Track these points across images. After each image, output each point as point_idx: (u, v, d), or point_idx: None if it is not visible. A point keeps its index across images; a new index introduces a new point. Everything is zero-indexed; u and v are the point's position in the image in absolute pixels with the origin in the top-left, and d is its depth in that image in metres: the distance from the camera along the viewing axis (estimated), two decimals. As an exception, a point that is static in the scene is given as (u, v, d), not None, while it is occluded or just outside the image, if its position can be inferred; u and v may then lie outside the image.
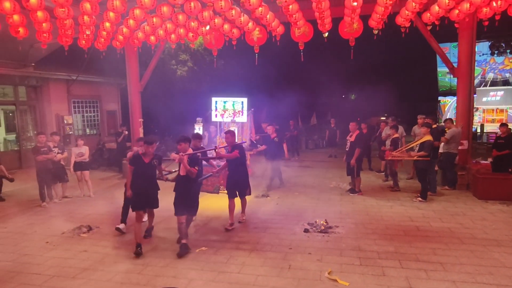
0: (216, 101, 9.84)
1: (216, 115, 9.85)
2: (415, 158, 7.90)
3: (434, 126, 8.44)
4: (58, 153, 8.43)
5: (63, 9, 6.62)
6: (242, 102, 9.75)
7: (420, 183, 8.07)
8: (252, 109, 10.56)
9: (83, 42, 8.73)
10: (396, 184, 8.98)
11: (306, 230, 6.10)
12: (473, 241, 5.59)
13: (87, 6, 6.61)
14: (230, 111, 9.74)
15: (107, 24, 7.80)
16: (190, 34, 8.66)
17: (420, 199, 7.84)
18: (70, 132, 13.62)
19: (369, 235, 5.89)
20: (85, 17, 7.08)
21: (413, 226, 6.28)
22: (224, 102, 9.82)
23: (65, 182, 8.67)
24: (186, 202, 5.52)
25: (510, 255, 5.03)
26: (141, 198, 5.51)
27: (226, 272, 4.72)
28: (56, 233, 6.33)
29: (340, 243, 5.57)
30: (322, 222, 6.33)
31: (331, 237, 5.82)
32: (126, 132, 12.10)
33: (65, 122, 13.59)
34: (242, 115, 9.72)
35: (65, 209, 7.84)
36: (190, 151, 5.53)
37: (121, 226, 6.32)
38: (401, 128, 9.79)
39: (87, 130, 15.16)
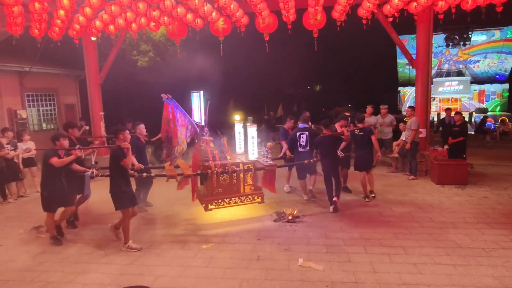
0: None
1: None
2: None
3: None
4: (11, 150, 7.94)
5: (10, -5, 6.18)
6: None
7: None
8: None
9: (36, 31, 8.20)
10: None
11: (275, 220, 6.16)
12: (431, 224, 5.87)
13: (37, -9, 6.22)
14: None
15: (61, 12, 7.36)
16: (152, 24, 8.37)
17: None
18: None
19: (335, 223, 6.02)
20: (36, 4, 6.64)
21: (376, 212, 6.50)
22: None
23: (20, 180, 8.18)
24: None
25: (464, 236, 5.33)
26: None
27: (194, 267, 4.65)
28: (11, 235, 5.97)
29: (307, 232, 5.66)
30: (290, 211, 6.40)
31: (298, 226, 5.89)
32: (87, 127, 11.57)
33: (19, 116, 12.78)
34: None
35: (21, 209, 7.41)
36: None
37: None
38: (374, 118, 9.73)
39: (44, 125, 14.33)
